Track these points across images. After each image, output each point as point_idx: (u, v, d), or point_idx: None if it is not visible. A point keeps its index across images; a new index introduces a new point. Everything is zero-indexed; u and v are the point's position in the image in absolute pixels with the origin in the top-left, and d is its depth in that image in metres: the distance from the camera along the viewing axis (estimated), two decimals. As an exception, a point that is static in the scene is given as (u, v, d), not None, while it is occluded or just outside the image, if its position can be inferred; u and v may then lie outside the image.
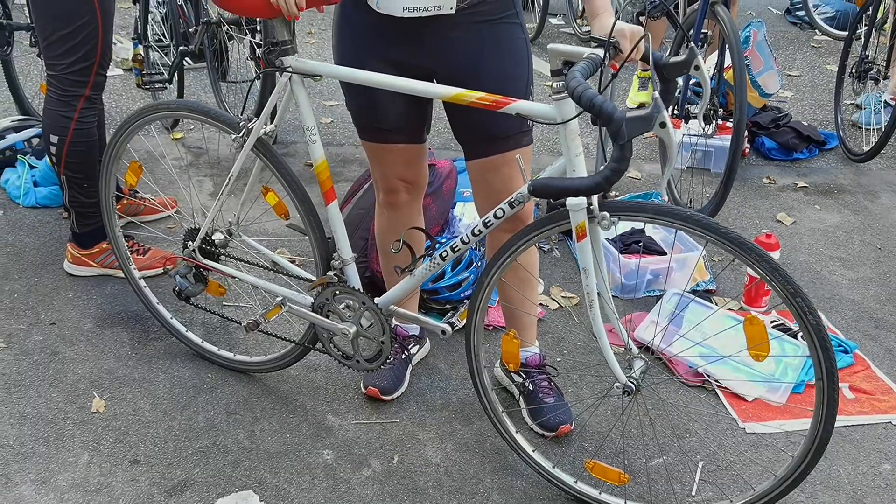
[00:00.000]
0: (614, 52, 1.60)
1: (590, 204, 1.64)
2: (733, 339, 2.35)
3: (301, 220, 2.00)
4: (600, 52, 1.53)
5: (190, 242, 2.17)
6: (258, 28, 3.29)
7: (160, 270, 2.69)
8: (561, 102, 1.58)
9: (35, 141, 3.35)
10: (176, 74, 3.39)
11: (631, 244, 2.83)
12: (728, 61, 3.11)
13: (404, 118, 1.93)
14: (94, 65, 2.42)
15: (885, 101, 4.06)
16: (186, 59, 3.43)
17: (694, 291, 2.70)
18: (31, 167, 3.22)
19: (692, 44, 1.60)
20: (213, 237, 2.15)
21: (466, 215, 2.79)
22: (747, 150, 3.82)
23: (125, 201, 2.97)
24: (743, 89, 2.57)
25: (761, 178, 3.63)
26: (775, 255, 2.66)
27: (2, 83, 3.75)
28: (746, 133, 3.70)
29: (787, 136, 3.82)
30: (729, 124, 3.40)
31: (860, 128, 4.06)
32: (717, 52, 3.16)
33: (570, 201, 1.61)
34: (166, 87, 3.52)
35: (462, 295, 2.53)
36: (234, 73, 3.50)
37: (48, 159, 2.58)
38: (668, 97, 1.63)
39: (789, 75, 4.86)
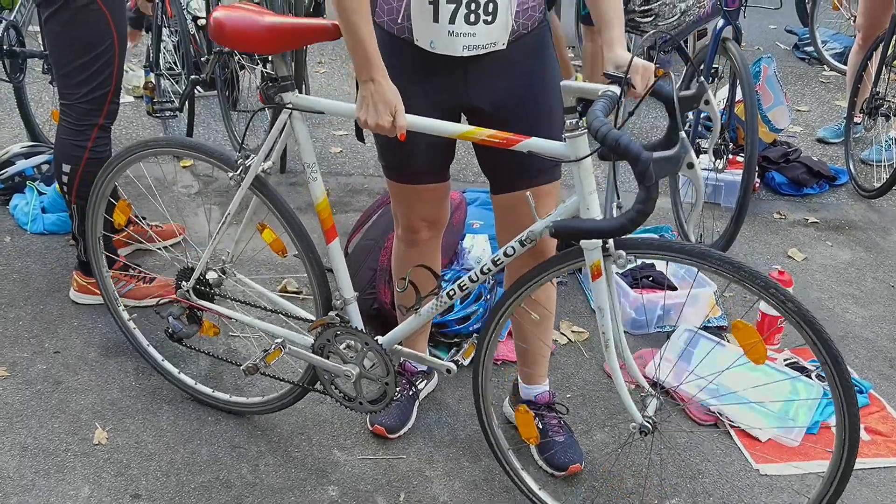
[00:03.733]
0: (627, 89, 1.58)
1: (605, 242, 1.62)
2: (745, 376, 2.31)
3: (300, 259, 1.97)
4: (615, 88, 1.51)
5: (184, 283, 2.11)
6: (269, 58, 3.31)
7: (164, 300, 2.65)
8: (575, 140, 1.56)
9: (45, 167, 3.35)
10: (186, 103, 3.40)
11: (641, 278, 2.80)
12: (739, 96, 3.12)
13: (434, 158, 1.91)
14: (109, 93, 2.42)
15: (895, 139, 4.04)
16: (197, 87, 3.44)
17: (705, 328, 2.67)
18: (40, 193, 3.22)
19: (702, 78, 1.58)
20: (207, 276, 2.10)
21: (475, 247, 2.77)
22: (758, 185, 3.80)
23: (134, 227, 2.96)
24: (754, 126, 2.56)
25: (772, 213, 3.61)
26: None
27: (13, 109, 3.77)
28: (757, 168, 3.69)
29: (797, 171, 3.81)
30: (739, 159, 3.39)
31: (870, 164, 4.05)
32: (727, 86, 3.16)
33: (586, 241, 1.59)
34: (177, 116, 3.53)
35: (471, 328, 2.50)
36: (244, 103, 3.51)
37: (59, 188, 2.56)
38: (676, 133, 1.60)
39: (798, 111, 4.85)
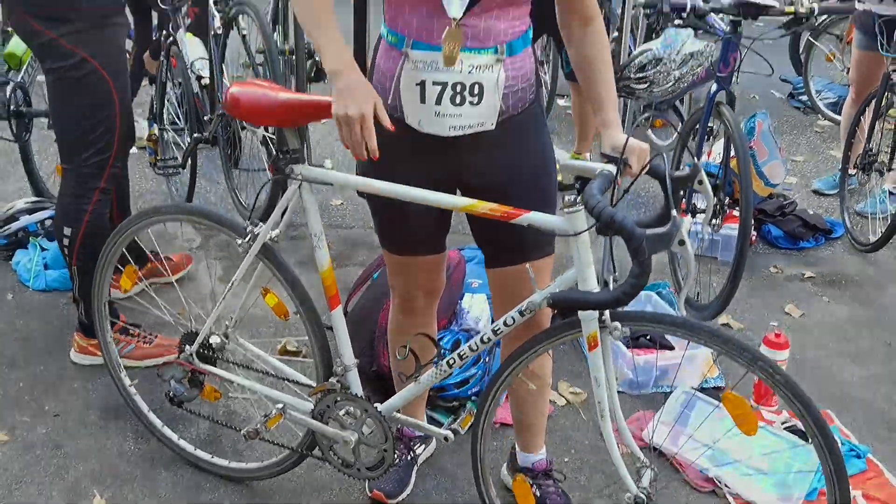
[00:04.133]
0: (624, 168, 1.63)
1: (601, 314, 1.65)
2: (742, 441, 2.32)
3: (303, 326, 2.00)
4: (611, 167, 1.57)
5: (187, 346, 2.14)
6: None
7: (162, 360, 2.66)
8: (572, 216, 1.61)
9: (48, 222, 3.38)
10: (189, 159, 3.44)
11: (639, 337, 2.82)
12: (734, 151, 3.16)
13: (429, 230, 1.94)
14: (111, 157, 2.45)
15: (889, 191, 4.08)
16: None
17: (703, 389, 2.67)
18: (43, 249, 3.25)
19: (695, 160, 1.63)
20: (210, 340, 2.12)
21: (474, 307, 2.78)
22: (754, 238, 3.83)
23: (150, 265, 2.99)
24: (749, 198, 2.58)
25: (768, 268, 3.64)
26: (784, 354, 2.64)
27: (18, 161, 3.80)
28: (752, 223, 3.72)
29: (793, 225, 3.84)
30: (736, 213, 3.43)
31: (866, 216, 4.08)
32: (723, 140, 3.21)
33: (583, 312, 1.62)
34: (179, 173, 3.57)
35: (470, 392, 2.51)
36: (245, 161, 3.56)
37: (60, 251, 2.60)
38: (669, 211, 1.64)
39: (793, 160, 4.90)
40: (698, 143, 2.88)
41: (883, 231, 3.65)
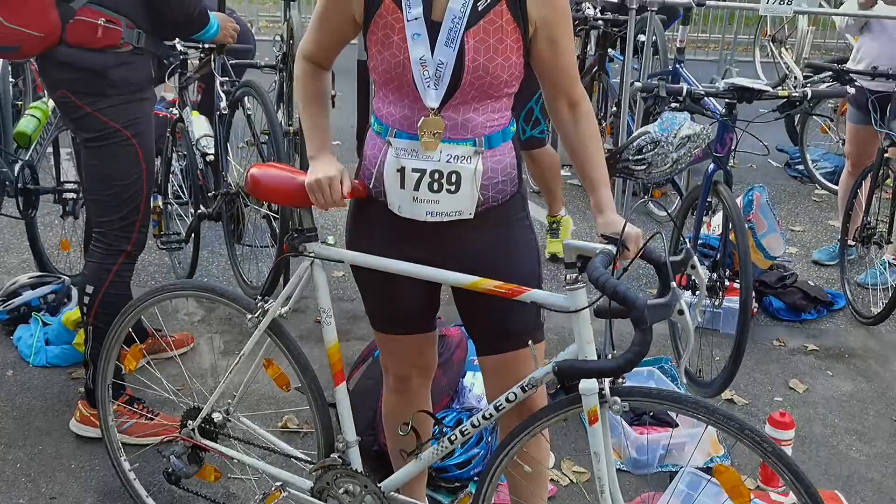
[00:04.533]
0: (621, 250, 1.66)
1: (601, 388, 1.65)
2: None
3: (306, 401, 2.01)
4: (610, 247, 1.61)
5: (190, 422, 2.15)
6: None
7: (160, 440, 2.64)
8: (574, 293, 1.65)
9: (51, 297, 3.40)
10: (192, 234, 3.48)
11: (641, 414, 2.79)
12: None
13: (418, 309, 1.96)
14: (137, 222, 2.59)
15: (889, 262, 4.10)
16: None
17: (707, 468, 2.64)
18: (45, 324, 3.25)
19: (688, 245, 1.66)
20: (213, 415, 2.14)
21: (477, 385, 2.77)
22: (755, 310, 3.83)
23: (149, 341, 3.01)
24: (748, 277, 2.59)
25: (771, 340, 3.63)
26: (790, 433, 2.62)
27: (22, 232, 3.82)
28: (754, 293, 3.73)
29: (794, 297, 3.85)
30: (736, 285, 3.44)
31: (867, 288, 4.09)
32: (721, 214, 3.24)
33: (584, 385, 1.64)
34: (182, 248, 3.60)
35: (472, 472, 2.48)
36: (248, 237, 3.60)
37: (79, 309, 2.69)
38: (665, 295, 1.66)
39: (792, 230, 4.94)
40: (697, 221, 2.91)
41: (885, 303, 3.65)
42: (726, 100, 2.68)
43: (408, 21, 1.69)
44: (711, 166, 2.80)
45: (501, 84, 1.72)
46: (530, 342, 1.78)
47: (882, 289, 3.91)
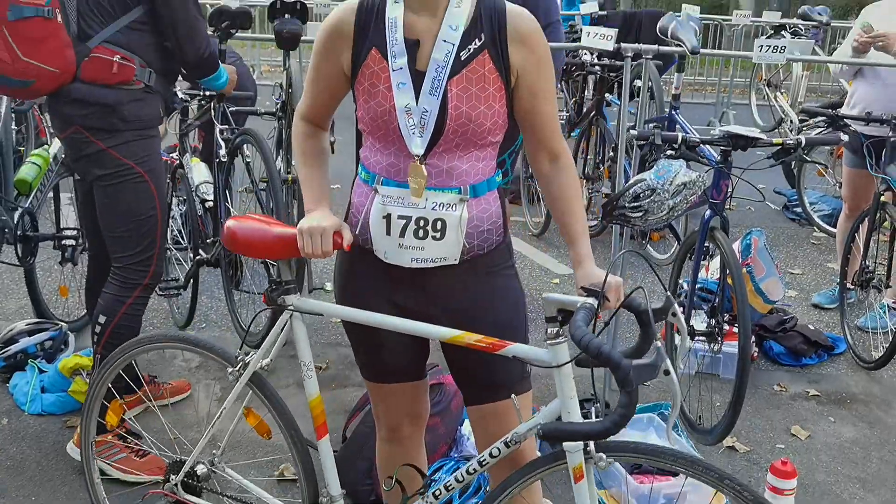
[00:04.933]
0: (602, 303, 1.67)
1: (587, 444, 1.64)
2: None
3: (291, 458, 1.99)
4: (591, 301, 1.62)
5: (173, 476, 2.11)
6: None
7: (154, 479, 2.63)
8: (556, 347, 1.65)
9: (48, 344, 3.39)
10: (191, 281, 3.48)
11: (641, 463, 2.76)
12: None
13: (407, 358, 1.96)
14: (154, 256, 2.67)
15: (888, 305, 4.09)
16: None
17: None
18: (41, 371, 3.23)
19: (668, 293, 1.66)
20: (197, 468, 2.11)
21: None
22: (756, 355, 3.82)
23: (145, 388, 2.99)
24: (746, 324, 2.58)
25: (772, 385, 3.60)
26: (792, 483, 2.58)
27: (20, 277, 3.82)
28: (754, 338, 3.72)
29: (794, 341, 3.83)
30: (735, 330, 3.43)
31: (867, 331, 4.07)
32: (719, 258, 3.24)
33: (568, 444, 1.62)
34: (181, 294, 3.59)
35: (470, 524, 2.45)
36: (246, 283, 3.60)
37: (91, 338, 2.74)
38: (648, 341, 1.67)
39: (791, 273, 4.94)
40: (694, 267, 2.91)
41: (885, 347, 3.63)
42: (721, 147, 2.70)
43: (393, 71, 1.72)
44: (708, 212, 2.81)
45: (485, 132, 1.74)
46: (513, 395, 1.79)
47: (882, 332, 3.90)
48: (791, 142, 2.68)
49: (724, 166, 2.72)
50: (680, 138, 2.63)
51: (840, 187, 5.92)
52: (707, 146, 2.82)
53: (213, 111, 3.27)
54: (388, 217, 1.77)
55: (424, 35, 1.72)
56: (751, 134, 2.62)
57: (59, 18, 2.40)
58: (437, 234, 1.75)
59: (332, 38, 1.78)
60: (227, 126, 3.38)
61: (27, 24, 2.35)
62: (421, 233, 1.75)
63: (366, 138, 1.84)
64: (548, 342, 1.64)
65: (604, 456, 1.64)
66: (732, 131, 2.64)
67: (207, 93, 3.32)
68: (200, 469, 2.10)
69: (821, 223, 5.65)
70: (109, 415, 2.22)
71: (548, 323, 1.64)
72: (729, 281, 2.78)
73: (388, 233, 1.77)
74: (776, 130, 6.81)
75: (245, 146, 3.32)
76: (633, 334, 3.93)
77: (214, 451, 2.10)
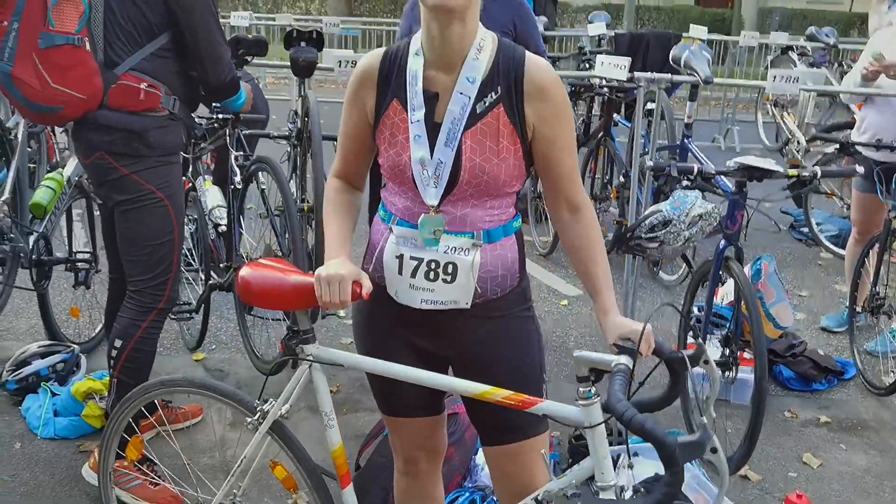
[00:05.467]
0: (636, 360, 1.63)
1: None
2: None
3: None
4: (625, 361, 1.58)
5: None
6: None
7: None
8: (589, 408, 1.62)
9: (59, 366, 3.39)
10: (203, 304, 3.48)
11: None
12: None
13: (425, 393, 1.95)
14: (170, 280, 2.68)
15: (897, 329, 4.09)
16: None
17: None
18: (53, 394, 3.23)
19: (700, 340, 1.65)
20: None
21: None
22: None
23: (157, 413, 2.99)
24: (763, 361, 2.58)
25: (783, 412, 3.60)
26: (807, 515, 2.58)
27: (32, 297, 3.81)
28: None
29: (804, 367, 3.83)
30: (747, 355, 3.43)
31: (876, 356, 4.07)
32: (732, 284, 3.24)
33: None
34: (192, 318, 3.60)
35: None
36: (259, 308, 3.59)
37: (107, 362, 2.74)
38: (677, 390, 1.66)
39: (799, 295, 4.94)
40: (708, 297, 2.91)
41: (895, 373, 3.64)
42: (737, 179, 2.71)
43: (411, 123, 1.74)
44: (723, 242, 2.82)
45: (500, 184, 1.75)
46: (543, 452, 1.79)
47: (892, 357, 3.90)
48: (807, 174, 2.69)
49: (740, 197, 2.74)
50: (696, 170, 2.65)
51: (848, 208, 5.94)
52: (722, 177, 2.84)
53: (227, 137, 3.29)
54: (400, 257, 1.78)
55: (443, 87, 1.74)
56: (766, 166, 2.63)
57: (88, 46, 2.43)
58: (448, 278, 1.76)
59: (359, 84, 1.81)
60: (241, 153, 3.39)
61: (57, 52, 2.37)
62: (432, 275, 1.76)
63: (386, 181, 1.86)
64: (579, 402, 1.62)
65: None
66: (748, 163, 2.65)
67: (221, 116, 3.34)
68: None
69: (828, 244, 5.65)
70: (129, 449, 2.22)
71: (579, 383, 1.61)
72: (744, 310, 2.78)
73: (400, 272, 1.78)
74: (783, 150, 6.83)
75: (260, 173, 3.34)
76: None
77: (235, 492, 2.09)
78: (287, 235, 3.21)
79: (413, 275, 1.77)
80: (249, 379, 3.63)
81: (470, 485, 2.68)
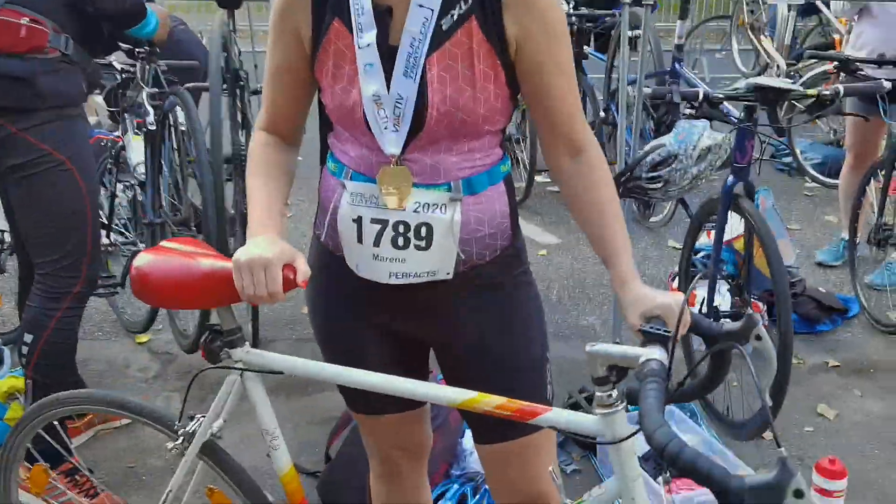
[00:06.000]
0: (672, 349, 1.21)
1: None
2: None
3: None
4: (657, 354, 1.17)
5: None
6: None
7: None
8: (611, 418, 1.24)
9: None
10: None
11: (667, 468, 2.44)
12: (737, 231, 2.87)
13: None
14: (85, 259, 2.29)
15: (899, 260, 3.83)
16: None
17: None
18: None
19: (750, 310, 1.29)
20: None
21: (478, 446, 2.40)
22: (766, 324, 3.52)
23: (87, 417, 2.68)
24: (787, 311, 2.24)
25: (788, 358, 3.32)
26: (842, 484, 2.29)
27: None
28: (765, 306, 3.42)
29: (807, 307, 3.55)
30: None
31: (877, 290, 3.82)
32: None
33: None
34: (118, 292, 3.20)
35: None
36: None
37: (19, 360, 2.40)
38: (722, 373, 1.28)
39: (790, 229, 4.65)
40: (716, 242, 2.56)
41: (906, 310, 3.37)
42: (747, 103, 2.34)
43: (359, 48, 1.33)
44: (731, 178, 2.45)
45: (478, 121, 1.35)
46: (551, 469, 1.44)
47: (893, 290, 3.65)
48: (828, 93, 2.33)
49: (751, 125, 2.36)
50: (701, 94, 2.27)
51: (834, 133, 5.67)
52: (726, 104, 2.46)
53: (140, 72, 2.82)
54: (358, 221, 1.39)
55: (398, 0, 1.33)
56: (782, 85, 2.26)
57: None
58: (422, 243, 1.37)
59: (286, 11, 1.39)
60: (156, 89, 2.86)
61: None
62: (401, 241, 1.37)
63: (334, 125, 1.46)
64: (598, 411, 1.24)
65: None
66: (761, 83, 2.27)
67: (139, 52, 2.87)
68: None
69: (814, 173, 5.36)
70: (32, 482, 1.83)
71: (597, 386, 1.23)
72: (758, 256, 2.45)
73: (360, 240, 1.40)
74: (796, 79, 6.49)
75: (177, 110, 2.87)
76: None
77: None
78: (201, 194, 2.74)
79: (377, 242, 1.39)
80: (201, 363, 3.23)
81: (457, 473, 2.34)
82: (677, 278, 3.72)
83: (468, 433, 2.44)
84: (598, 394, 1.23)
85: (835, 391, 3.09)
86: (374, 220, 1.37)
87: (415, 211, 1.36)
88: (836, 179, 4.62)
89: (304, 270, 1.34)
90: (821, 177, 5.26)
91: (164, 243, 1.51)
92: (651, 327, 1.24)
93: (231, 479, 1.57)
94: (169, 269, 1.42)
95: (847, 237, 4.00)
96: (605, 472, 2.53)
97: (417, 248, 1.37)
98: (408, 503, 1.76)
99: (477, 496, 2.15)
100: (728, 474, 0.96)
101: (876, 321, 3.54)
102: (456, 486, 2.19)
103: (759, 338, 1.24)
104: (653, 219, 4.52)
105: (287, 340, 3.42)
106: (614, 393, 1.22)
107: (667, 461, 0.99)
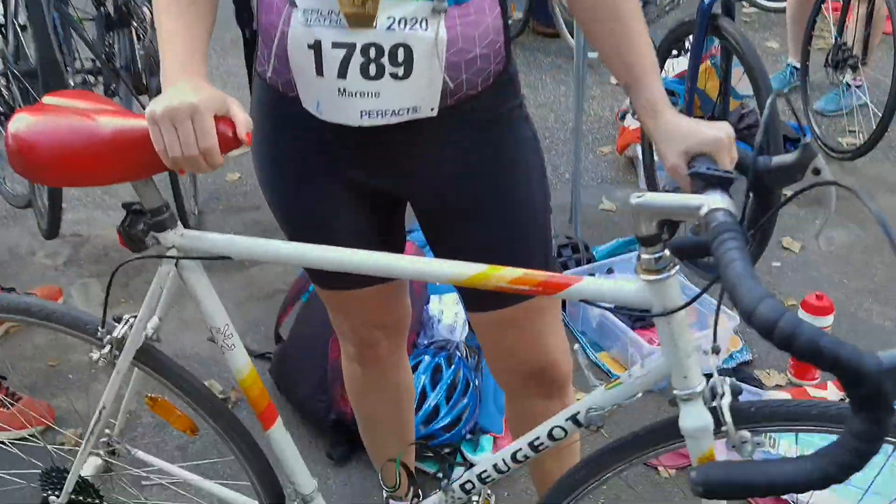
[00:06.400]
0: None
1: (718, 423, 1.01)
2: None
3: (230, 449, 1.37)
4: (719, 199, 0.91)
5: (53, 497, 1.42)
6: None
7: (31, 431, 2.01)
8: (662, 284, 0.99)
9: None
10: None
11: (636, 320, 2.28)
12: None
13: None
14: None
15: (848, 83, 3.69)
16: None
17: (734, 369, 2.22)
18: None
19: (808, 138, 1.07)
20: (86, 470, 1.42)
21: (446, 312, 2.20)
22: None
23: None
24: (774, 116, 2.06)
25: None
26: (829, 319, 2.22)
27: None
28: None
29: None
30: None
31: (827, 116, 3.71)
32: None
33: (688, 423, 1.02)
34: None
35: (463, 431, 1.96)
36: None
37: None
38: (770, 221, 1.08)
39: (732, 58, 4.47)
40: (691, 69, 2.32)
41: (864, 135, 3.27)
42: None
43: None
44: (708, -4, 2.18)
45: None
46: (576, 347, 1.22)
47: (846, 114, 3.53)
48: None
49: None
50: None
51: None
52: None
53: None
54: (316, 46, 1.08)
55: None
56: None
57: None
58: (400, 71, 1.08)
59: None
60: None
61: None
62: (372, 69, 1.08)
63: None
64: (643, 276, 0.99)
65: (748, 436, 0.98)
66: None
67: None
68: (93, 466, 1.42)
69: (752, -3, 5.10)
70: None
71: (644, 247, 0.98)
72: (736, 84, 2.23)
73: (321, 72, 1.09)
74: None
75: None
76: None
77: (108, 431, 1.44)
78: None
79: (342, 73, 1.08)
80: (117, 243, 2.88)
81: (424, 340, 2.14)
82: (627, 115, 3.53)
83: (433, 299, 2.23)
84: (644, 256, 0.99)
85: (797, 224, 3.00)
86: (336, 45, 1.06)
87: (388, 28, 1.05)
88: (779, 2, 4.41)
89: (243, 120, 1.03)
90: (760, 0, 5.02)
91: (46, 99, 1.14)
92: (708, 168, 0.99)
93: (174, 385, 1.31)
94: (59, 133, 1.07)
95: (792, 62, 3.85)
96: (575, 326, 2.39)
97: (394, 76, 1.08)
98: (389, 385, 1.55)
99: (451, 367, 1.96)
100: (860, 354, 0.73)
101: (829, 148, 3.44)
102: (428, 358, 1.98)
103: (817, 171, 1.03)
104: (591, 54, 4.22)
105: (214, 213, 3.10)
106: (666, 253, 0.99)
107: (777, 343, 0.75)
